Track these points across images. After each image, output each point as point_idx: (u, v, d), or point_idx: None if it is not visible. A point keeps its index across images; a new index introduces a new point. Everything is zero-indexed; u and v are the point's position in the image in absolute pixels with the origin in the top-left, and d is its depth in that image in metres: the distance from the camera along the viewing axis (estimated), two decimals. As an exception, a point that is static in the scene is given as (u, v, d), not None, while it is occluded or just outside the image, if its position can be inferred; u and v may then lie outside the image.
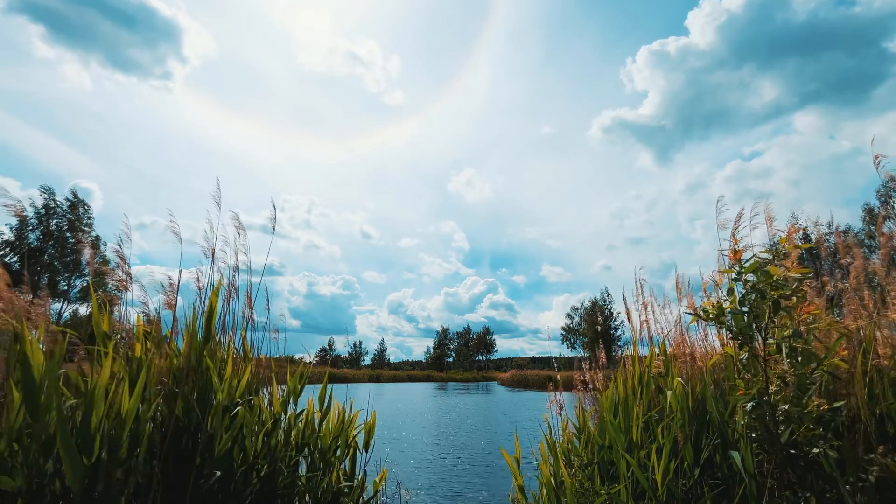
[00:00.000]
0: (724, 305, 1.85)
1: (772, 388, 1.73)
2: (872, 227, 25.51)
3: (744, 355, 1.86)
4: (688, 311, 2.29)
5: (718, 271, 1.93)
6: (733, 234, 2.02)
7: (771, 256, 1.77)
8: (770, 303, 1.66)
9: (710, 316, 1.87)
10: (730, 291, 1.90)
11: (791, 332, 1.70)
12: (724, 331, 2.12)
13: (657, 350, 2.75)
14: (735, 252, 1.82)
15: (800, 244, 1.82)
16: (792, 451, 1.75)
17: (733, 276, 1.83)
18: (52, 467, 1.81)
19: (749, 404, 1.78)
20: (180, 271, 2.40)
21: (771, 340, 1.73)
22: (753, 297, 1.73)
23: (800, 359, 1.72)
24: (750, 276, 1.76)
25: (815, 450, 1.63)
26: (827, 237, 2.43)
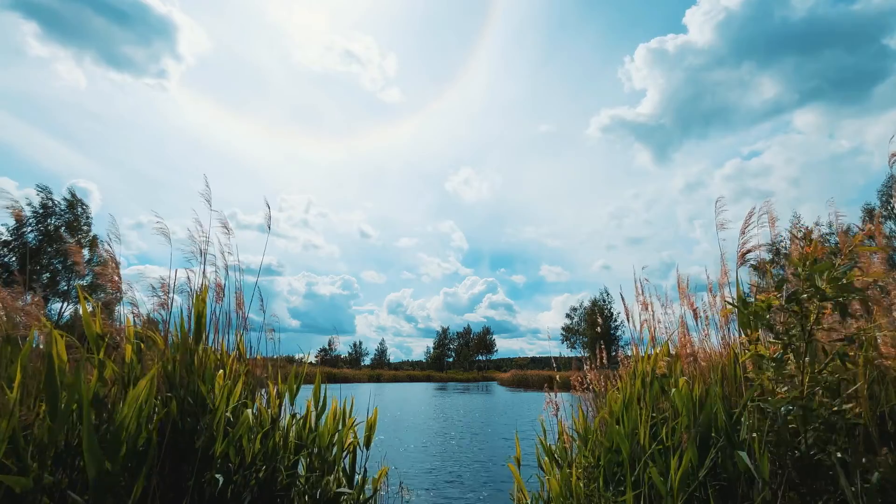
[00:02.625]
0: (773, 301, 1.76)
1: (817, 392, 1.65)
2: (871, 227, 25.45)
3: (778, 354, 1.78)
4: (726, 300, 2.20)
5: (789, 262, 1.81)
6: (742, 231, 1.99)
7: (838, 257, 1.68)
8: (837, 307, 1.57)
9: (754, 310, 1.78)
10: (779, 286, 1.81)
11: (843, 337, 1.62)
12: (764, 330, 2.00)
13: (660, 350, 2.74)
14: (811, 244, 1.69)
15: (875, 245, 1.73)
16: (796, 453, 1.73)
17: (795, 271, 1.71)
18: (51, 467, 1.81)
19: (783, 408, 1.72)
20: (175, 272, 2.39)
21: (821, 342, 1.65)
22: (806, 296, 1.65)
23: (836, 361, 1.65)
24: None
25: (829, 451, 1.59)
26: (827, 237, 2.42)
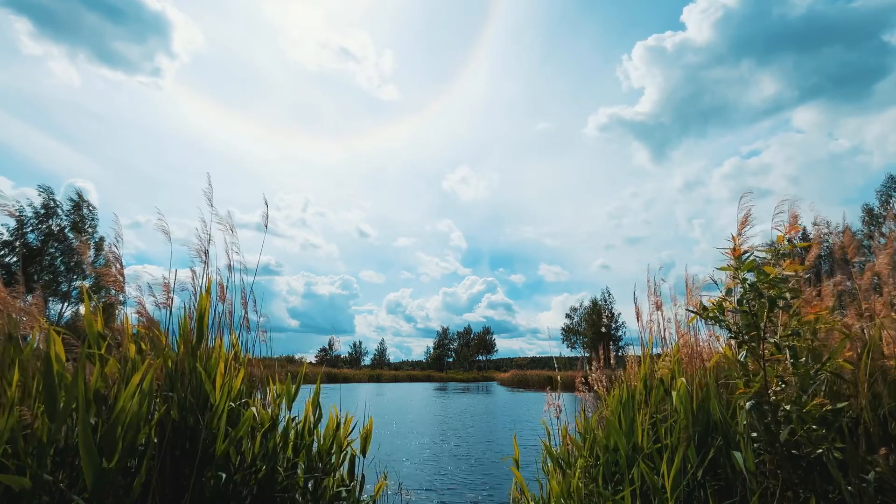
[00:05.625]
0: (725, 304, 1.84)
1: (772, 388, 1.72)
2: (872, 228, 25.49)
3: (742, 354, 1.85)
4: (689, 308, 2.27)
5: (717, 268, 1.91)
6: (739, 233, 2.01)
7: (769, 255, 1.76)
8: (766, 301, 1.65)
9: (711, 314, 1.85)
10: (728, 291, 1.89)
11: (790, 332, 1.69)
12: (722, 330, 2.09)
13: (661, 350, 2.74)
14: (734, 250, 1.81)
15: (796, 243, 1.81)
16: (794, 452, 1.74)
17: (731, 274, 1.81)
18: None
19: (748, 403, 1.77)
20: (176, 271, 2.39)
21: (770, 340, 1.72)
22: (752, 295, 1.73)
23: (803, 359, 1.71)
24: (749, 275, 1.75)
25: (819, 450, 1.62)
26: (826, 237, 2.42)
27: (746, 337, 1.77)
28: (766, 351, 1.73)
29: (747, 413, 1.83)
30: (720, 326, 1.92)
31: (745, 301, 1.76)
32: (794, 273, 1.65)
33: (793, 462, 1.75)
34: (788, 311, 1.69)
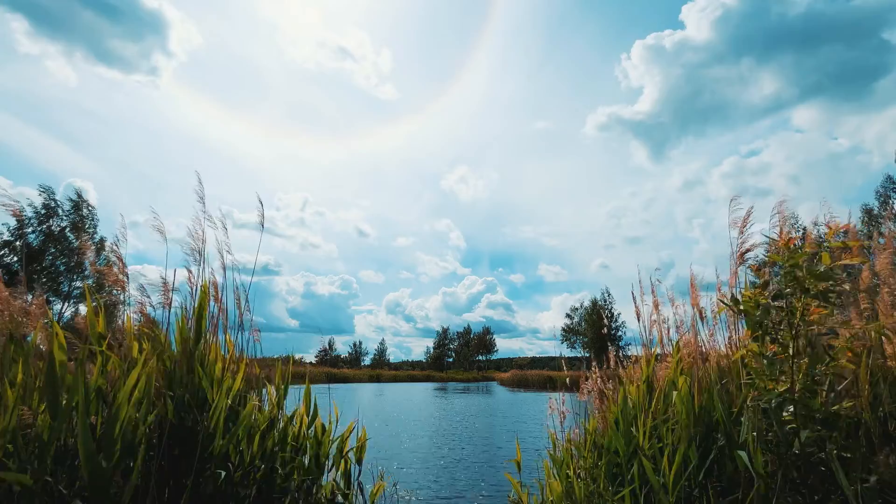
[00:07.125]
0: (760, 299, 1.78)
1: (798, 387, 1.67)
2: (871, 228, 25.50)
3: (770, 351, 1.80)
4: (722, 300, 2.21)
5: (769, 256, 1.82)
6: (741, 231, 1.98)
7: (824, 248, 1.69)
8: (818, 295, 1.58)
9: (743, 307, 1.80)
10: (765, 284, 1.83)
11: (825, 330, 1.63)
12: (745, 326, 2.02)
13: (661, 350, 2.74)
14: (788, 240, 1.72)
15: (846, 241, 1.74)
16: (796, 452, 1.73)
17: (778, 265, 1.73)
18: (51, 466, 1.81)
19: (774, 402, 1.73)
20: (175, 271, 2.39)
21: (805, 335, 1.66)
22: (791, 289, 1.66)
23: (805, 358, 1.68)
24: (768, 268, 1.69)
25: (828, 451, 1.60)
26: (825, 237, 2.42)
27: (778, 333, 1.72)
28: (797, 349, 1.68)
29: (764, 413, 1.78)
30: (750, 322, 1.85)
31: (784, 296, 1.69)
32: (854, 264, 1.58)
33: (797, 462, 1.74)
34: (829, 308, 1.63)
